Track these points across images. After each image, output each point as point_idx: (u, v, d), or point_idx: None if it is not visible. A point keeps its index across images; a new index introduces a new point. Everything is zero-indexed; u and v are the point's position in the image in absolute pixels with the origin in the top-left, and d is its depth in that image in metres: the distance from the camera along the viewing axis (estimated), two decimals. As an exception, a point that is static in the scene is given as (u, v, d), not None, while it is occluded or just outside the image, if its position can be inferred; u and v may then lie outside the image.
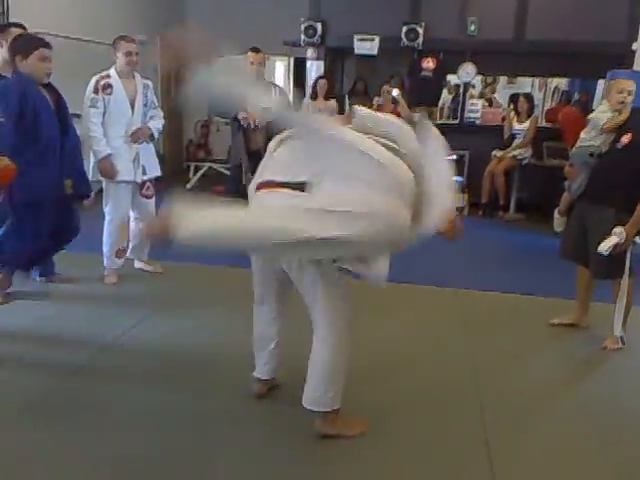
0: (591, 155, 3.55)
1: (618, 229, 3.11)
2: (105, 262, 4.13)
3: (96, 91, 3.86)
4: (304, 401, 2.39)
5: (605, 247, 3.12)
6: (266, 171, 2.25)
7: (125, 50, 3.90)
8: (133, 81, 4.02)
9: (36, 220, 3.07)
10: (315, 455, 2.35)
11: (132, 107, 3.98)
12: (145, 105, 4.07)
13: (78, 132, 3.80)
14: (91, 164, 4.05)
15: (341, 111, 7.26)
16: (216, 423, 2.52)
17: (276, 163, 2.27)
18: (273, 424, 2.54)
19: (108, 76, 3.92)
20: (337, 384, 2.38)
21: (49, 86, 3.02)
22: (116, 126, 3.93)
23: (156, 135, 4.18)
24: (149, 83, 4.17)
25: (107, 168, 3.91)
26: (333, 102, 6.97)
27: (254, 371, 2.71)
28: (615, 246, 3.11)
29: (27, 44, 2.84)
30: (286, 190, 2.10)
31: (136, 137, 3.99)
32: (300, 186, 2.09)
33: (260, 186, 2.23)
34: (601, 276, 3.41)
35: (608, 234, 3.14)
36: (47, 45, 2.90)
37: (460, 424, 2.61)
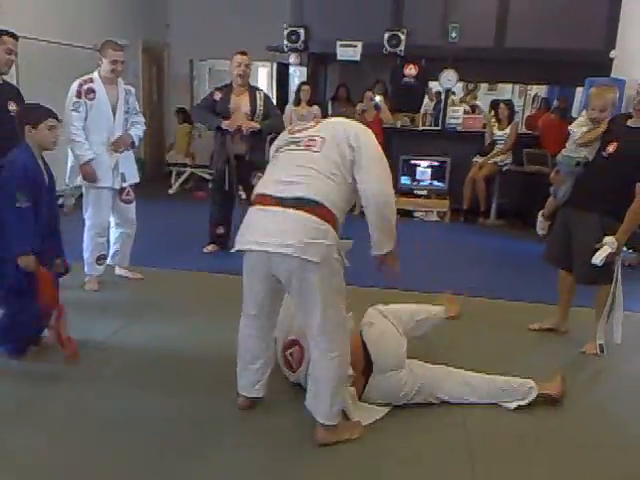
0: (577, 164, 3.58)
1: (609, 239, 3.14)
2: (86, 269, 4.08)
3: (79, 95, 3.82)
4: (318, 417, 2.36)
5: (599, 258, 3.15)
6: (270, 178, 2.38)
7: (111, 58, 3.86)
8: (116, 87, 3.97)
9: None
10: (305, 458, 2.35)
11: (114, 113, 3.94)
12: (127, 112, 4.04)
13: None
14: (68, 167, 4.03)
15: (324, 116, 7.30)
16: (199, 425, 2.50)
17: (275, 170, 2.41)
18: (258, 428, 2.53)
19: (91, 80, 3.88)
20: (340, 396, 2.40)
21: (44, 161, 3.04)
22: (97, 132, 3.89)
23: (137, 143, 4.17)
24: (131, 89, 4.14)
25: (89, 172, 3.87)
26: (316, 108, 7.00)
27: (238, 388, 2.62)
28: (608, 256, 3.15)
29: (37, 114, 2.91)
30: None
31: (117, 146, 3.96)
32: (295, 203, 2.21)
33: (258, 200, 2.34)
34: (584, 282, 3.43)
35: (597, 241, 3.16)
36: (55, 116, 2.97)
37: (442, 430, 2.61)
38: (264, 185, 2.38)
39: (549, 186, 3.96)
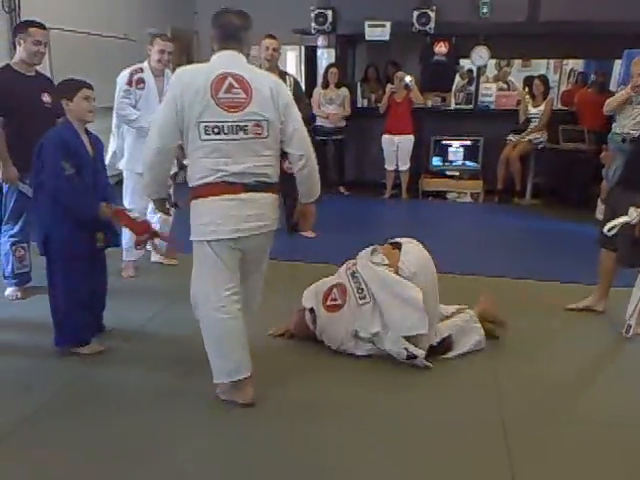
0: (623, 141, 3.45)
1: (631, 208, 3.01)
2: (124, 255, 4.16)
3: (129, 83, 3.90)
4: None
5: (609, 226, 3.02)
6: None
7: (159, 48, 3.93)
8: (163, 79, 4.04)
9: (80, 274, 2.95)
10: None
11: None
12: None
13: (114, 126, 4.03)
14: (110, 152, 4.10)
15: (353, 98, 7.23)
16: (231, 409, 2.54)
17: None
18: (287, 413, 2.56)
19: (141, 70, 3.96)
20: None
21: (89, 133, 3.05)
22: (143, 121, 3.92)
23: None
24: None
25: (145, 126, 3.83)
26: (345, 90, 6.94)
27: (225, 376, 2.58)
28: (623, 226, 3.00)
29: (71, 87, 2.93)
30: None
31: None
32: None
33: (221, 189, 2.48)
34: (626, 264, 3.32)
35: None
36: (89, 86, 2.98)
37: (477, 410, 2.60)
38: (221, 173, 2.43)
39: (589, 165, 3.84)
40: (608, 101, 3.83)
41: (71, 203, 2.86)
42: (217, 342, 2.57)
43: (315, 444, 2.36)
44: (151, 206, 4.23)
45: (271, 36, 4.83)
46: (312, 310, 3.12)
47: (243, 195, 2.44)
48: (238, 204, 2.44)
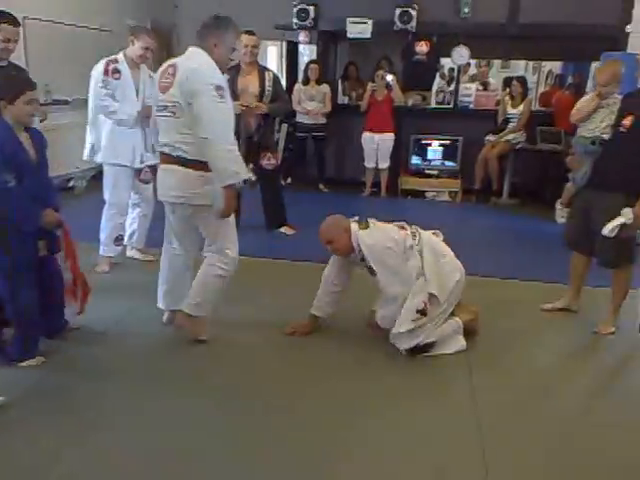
0: (593, 143, 3.49)
1: (626, 209, 3.03)
2: (101, 250, 4.10)
3: (106, 72, 3.85)
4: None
5: (609, 228, 3.04)
6: None
7: (145, 45, 3.89)
8: (139, 71, 4.00)
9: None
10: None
11: (137, 96, 3.96)
12: (149, 97, 4.03)
13: (89, 114, 3.96)
14: (88, 146, 4.04)
15: (333, 95, 7.22)
16: (212, 412, 2.53)
17: None
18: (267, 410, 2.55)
19: (116, 61, 3.90)
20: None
21: (29, 130, 2.78)
22: (120, 112, 3.90)
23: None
24: (153, 74, 4.13)
25: (146, 111, 3.79)
26: (325, 86, 6.93)
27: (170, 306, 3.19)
28: (621, 228, 3.03)
29: (13, 88, 2.66)
30: None
31: (145, 112, 3.86)
32: None
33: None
34: (609, 265, 3.33)
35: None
36: (33, 86, 2.75)
37: (452, 407, 2.62)
38: (159, 145, 2.97)
39: (565, 169, 3.88)
40: (575, 111, 3.87)
41: (14, 218, 2.66)
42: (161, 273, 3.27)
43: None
44: (131, 201, 4.19)
45: (249, 32, 4.76)
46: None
47: (165, 166, 2.92)
48: (162, 173, 2.97)
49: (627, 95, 3.40)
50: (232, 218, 2.97)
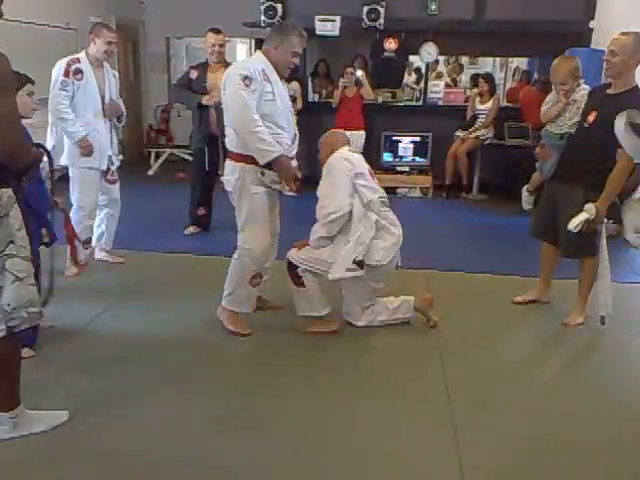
0: (561, 138, 3.58)
1: (588, 205, 3.13)
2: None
3: (66, 74, 3.75)
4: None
5: (574, 224, 3.13)
6: None
7: (107, 39, 3.82)
8: (102, 70, 3.93)
9: None
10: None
11: (101, 96, 3.89)
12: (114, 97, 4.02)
13: (49, 117, 3.84)
14: (49, 147, 3.94)
15: (303, 92, 7.20)
16: (182, 410, 2.49)
17: None
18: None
19: (78, 60, 3.81)
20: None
21: None
22: (84, 113, 3.84)
23: (123, 121, 4.17)
24: (116, 73, 4.11)
25: (87, 146, 3.84)
26: (295, 84, 6.89)
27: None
28: (585, 223, 3.12)
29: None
30: None
31: (110, 111, 3.91)
32: None
33: None
34: (570, 255, 3.43)
35: (579, 212, 3.15)
36: (32, 80, 2.81)
37: (425, 400, 2.64)
38: None
39: (534, 160, 3.94)
40: (545, 112, 3.95)
41: (34, 204, 2.71)
42: None
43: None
44: (100, 201, 4.11)
45: (215, 30, 4.72)
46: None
47: None
48: None
49: (592, 91, 3.48)
50: (264, 216, 3.11)
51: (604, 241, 3.24)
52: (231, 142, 3.07)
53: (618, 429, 2.49)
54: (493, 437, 2.40)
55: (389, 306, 3.32)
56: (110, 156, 4.00)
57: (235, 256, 3.16)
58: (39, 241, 2.84)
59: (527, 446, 2.36)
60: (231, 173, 3.08)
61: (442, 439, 2.37)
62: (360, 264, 3.01)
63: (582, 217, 3.12)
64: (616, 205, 3.90)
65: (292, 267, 3.15)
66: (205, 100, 4.62)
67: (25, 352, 2.74)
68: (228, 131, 3.07)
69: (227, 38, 4.89)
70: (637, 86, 3.17)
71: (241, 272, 3.14)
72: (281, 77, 3.08)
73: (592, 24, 6.55)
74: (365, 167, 3.22)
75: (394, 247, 3.19)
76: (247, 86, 2.86)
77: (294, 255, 3.15)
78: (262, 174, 3.02)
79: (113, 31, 3.95)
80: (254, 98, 2.88)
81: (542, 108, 4.00)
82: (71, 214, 3.97)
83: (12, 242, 2.07)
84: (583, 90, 3.66)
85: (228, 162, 3.12)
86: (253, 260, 3.11)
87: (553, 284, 3.74)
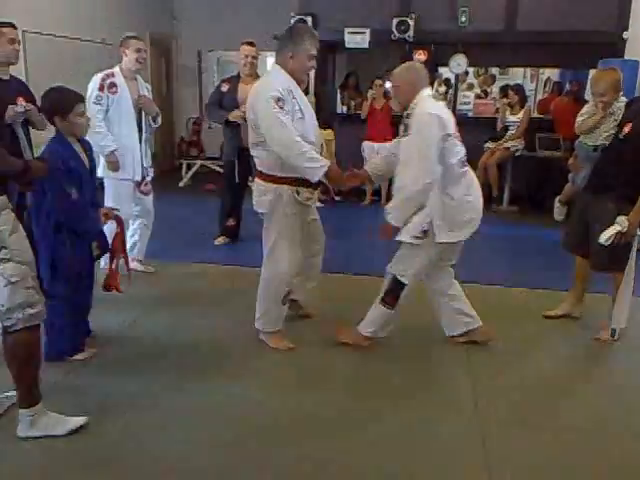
0: (595, 150, 3.54)
1: (620, 218, 3.08)
2: (102, 263, 4.08)
3: (101, 88, 3.86)
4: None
5: (605, 236, 3.08)
6: None
7: (136, 47, 3.91)
8: (136, 83, 4.02)
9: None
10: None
11: (135, 108, 3.97)
12: None
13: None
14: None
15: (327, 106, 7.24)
16: (213, 418, 2.52)
17: None
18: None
19: (113, 75, 3.92)
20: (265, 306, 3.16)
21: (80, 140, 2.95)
22: (119, 125, 3.93)
23: (158, 121, 4.20)
24: (149, 86, 4.20)
25: (114, 162, 3.93)
26: (310, 97, 6.92)
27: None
28: (616, 236, 3.07)
29: (65, 103, 2.79)
30: None
31: (145, 105, 3.98)
32: None
33: None
34: (600, 269, 3.37)
35: (611, 225, 3.10)
36: (82, 99, 2.90)
37: (456, 417, 2.61)
38: None
39: (565, 172, 3.91)
40: (580, 124, 3.91)
41: (80, 227, 2.86)
42: None
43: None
44: (134, 211, 4.19)
45: (249, 43, 4.82)
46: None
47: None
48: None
49: (628, 102, 3.44)
50: (295, 236, 3.07)
51: (634, 255, 3.18)
52: (262, 163, 3.03)
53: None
54: (523, 454, 2.36)
55: (464, 308, 3.23)
56: (145, 167, 4.09)
57: (264, 276, 3.14)
58: (90, 256, 2.98)
59: (562, 463, 2.31)
60: (263, 194, 3.04)
61: (471, 455, 2.34)
62: (425, 233, 2.93)
63: (614, 230, 3.07)
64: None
65: (399, 287, 3.03)
66: (232, 117, 4.67)
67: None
68: (257, 151, 3.03)
69: (258, 51, 4.96)
70: None
71: (273, 294, 3.12)
72: (299, 83, 3.05)
73: (626, 34, 6.46)
74: (453, 124, 2.99)
75: (473, 222, 3.05)
76: (282, 108, 2.84)
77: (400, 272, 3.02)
78: (297, 193, 3.00)
79: (141, 39, 4.03)
80: (290, 119, 2.87)
81: (577, 119, 3.96)
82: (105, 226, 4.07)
83: (4, 247, 2.14)
84: (621, 102, 3.61)
85: (260, 182, 3.07)
86: (285, 281, 3.11)
87: (588, 298, 3.67)
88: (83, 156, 2.91)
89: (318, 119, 3.18)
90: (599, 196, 3.29)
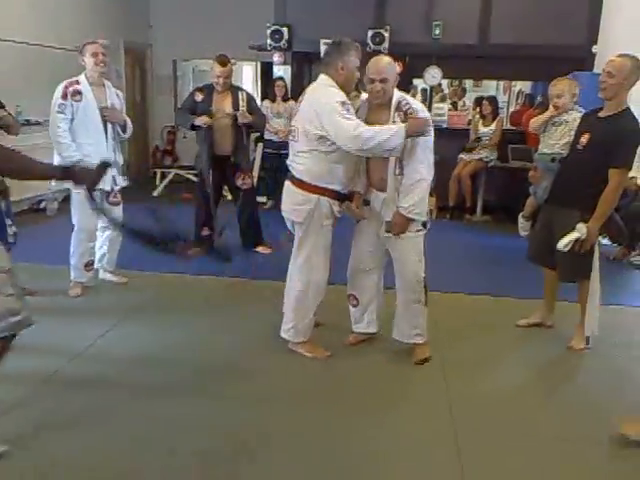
0: (552, 160, 3.60)
1: (580, 225, 3.14)
2: (73, 274, 4.01)
3: (64, 96, 3.77)
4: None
5: (564, 242, 3.13)
6: None
7: (92, 52, 3.82)
8: (104, 89, 3.94)
9: None
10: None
11: (101, 117, 3.88)
12: None
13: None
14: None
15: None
16: (185, 431, 2.48)
17: None
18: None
19: (77, 82, 3.83)
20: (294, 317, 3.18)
21: None
22: (85, 134, 3.83)
23: (127, 132, 4.10)
24: (119, 92, 4.11)
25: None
26: (292, 103, 6.94)
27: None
28: (575, 243, 3.12)
29: None
30: None
31: (110, 116, 3.89)
32: None
33: None
34: (567, 279, 3.44)
35: (570, 231, 3.15)
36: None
37: (430, 425, 2.62)
38: None
39: (528, 183, 3.95)
40: (532, 120, 4.04)
41: None
42: None
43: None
44: (100, 224, 4.10)
45: (221, 61, 4.68)
46: None
47: (286, 182, 3.14)
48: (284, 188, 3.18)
49: (585, 114, 3.50)
50: (328, 248, 3.13)
51: (597, 263, 3.24)
52: (305, 172, 3.03)
53: (621, 452, 2.46)
54: (497, 461, 2.38)
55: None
56: (114, 177, 3.94)
57: (299, 287, 3.14)
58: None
59: (536, 469, 2.33)
60: (303, 203, 3.04)
61: (446, 461, 2.35)
62: (425, 225, 3.23)
63: (573, 236, 3.12)
64: (621, 228, 3.91)
65: (426, 286, 3.25)
66: (198, 121, 4.63)
67: None
68: (302, 159, 3.03)
69: (233, 60, 4.93)
70: (628, 108, 3.19)
71: (307, 305, 3.14)
72: (347, 93, 3.13)
73: (595, 49, 6.62)
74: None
75: None
76: (347, 111, 2.93)
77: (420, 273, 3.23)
78: (339, 204, 3.08)
79: (98, 42, 3.91)
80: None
81: (531, 120, 4.07)
82: (72, 237, 3.97)
83: None
84: (576, 113, 3.68)
85: (298, 191, 3.06)
86: (322, 291, 3.14)
87: (559, 306, 3.72)
88: None
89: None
90: (562, 208, 3.34)
